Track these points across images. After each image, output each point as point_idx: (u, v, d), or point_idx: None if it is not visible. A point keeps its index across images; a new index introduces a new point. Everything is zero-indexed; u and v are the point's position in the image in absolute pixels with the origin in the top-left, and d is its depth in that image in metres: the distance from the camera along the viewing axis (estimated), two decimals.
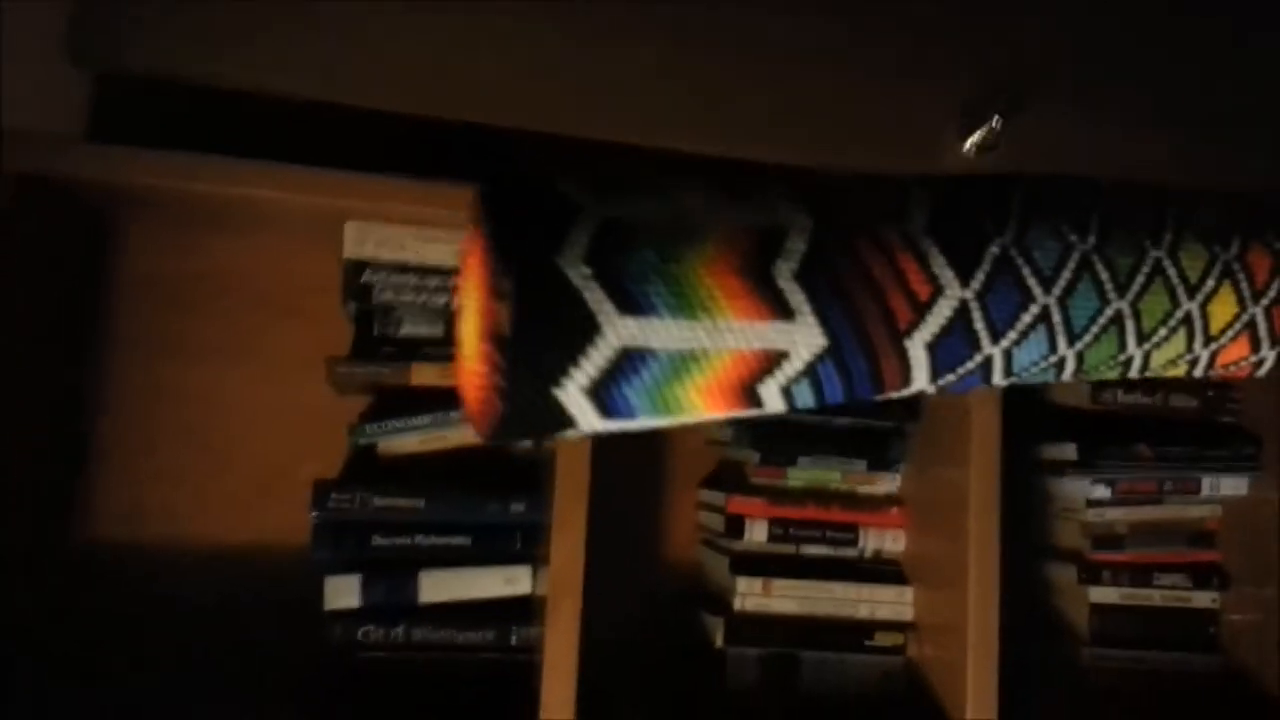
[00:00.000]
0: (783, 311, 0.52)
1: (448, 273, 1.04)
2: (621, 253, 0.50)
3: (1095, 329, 0.58)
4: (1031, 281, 0.56)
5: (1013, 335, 0.57)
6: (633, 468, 1.20)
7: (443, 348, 1.04)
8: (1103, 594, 1.19)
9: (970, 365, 0.57)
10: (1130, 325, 0.59)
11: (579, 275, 0.49)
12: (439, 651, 1.00)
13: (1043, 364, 0.59)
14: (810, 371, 0.54)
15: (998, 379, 0.58)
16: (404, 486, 1.01)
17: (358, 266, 1.03)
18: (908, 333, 0.55)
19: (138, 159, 0.95)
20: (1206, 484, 1.19)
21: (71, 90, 1.06)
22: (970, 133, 1.03)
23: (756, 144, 1.04)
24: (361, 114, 1.08)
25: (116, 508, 1.09)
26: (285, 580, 1.07)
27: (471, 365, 0.51)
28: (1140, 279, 0.59)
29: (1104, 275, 0.58)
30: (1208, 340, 0.61)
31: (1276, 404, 1.22)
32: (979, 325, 0.55)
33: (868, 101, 1.10)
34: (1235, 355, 0.64)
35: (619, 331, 0.50)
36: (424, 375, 1.03)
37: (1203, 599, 1.23)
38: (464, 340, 0.53)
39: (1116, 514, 1.19)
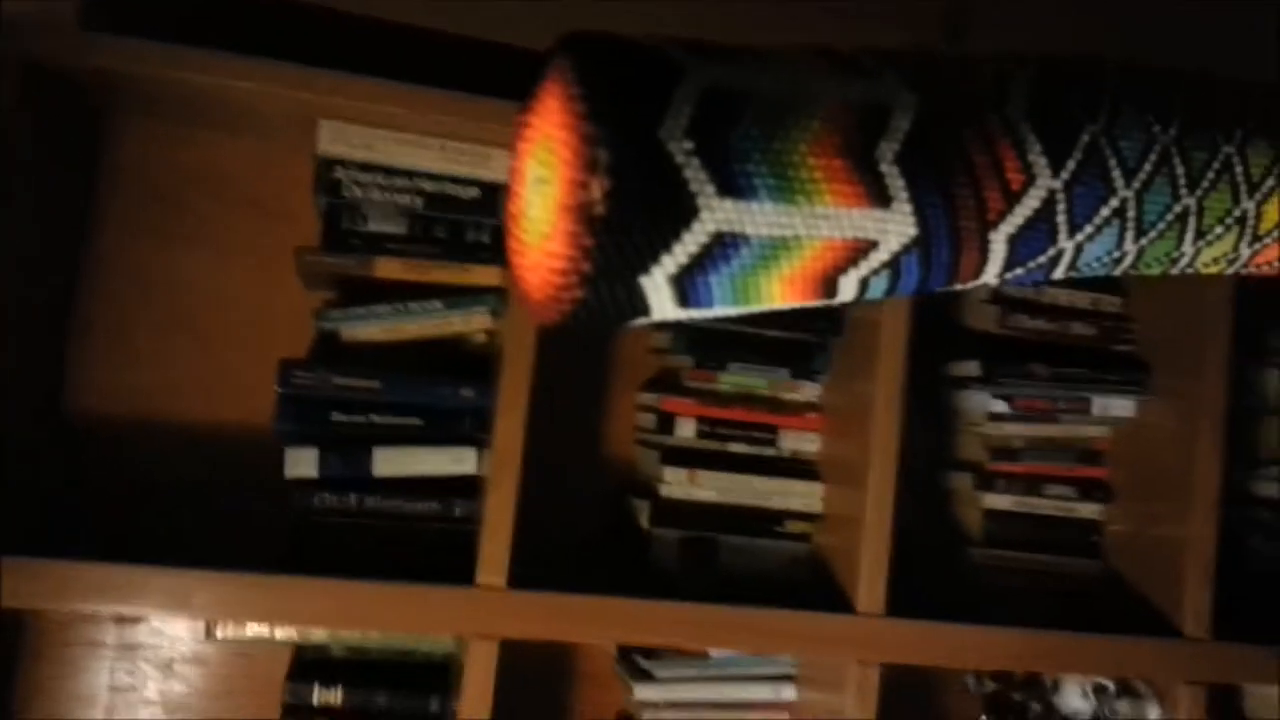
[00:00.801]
0: (880, 198, 0.49)
1: (413, 174, 1.10)
2: (726, 126, 0.46)
3: (1162, 225, 0.56)
4: (1116, 173, 0.53)
5: (1089, 229, 0.54)
6: (577, 369, 1.29)
7: (405, 244, 1.11)
8: (996, 500, 1.30)
9: (1042, 259, 0.55)
10: (1192, 222, 0.57)
11: (681, 150, 0.45)
12: (388, 520, 1.09)
13: (1105, 259, 0.57)
14: (893, 262, 0.51)
15: (1059, 274, 0.57)
16: (363, 369, 1.09)
17: (329, 163, 1.09)
18: (995, 224, 0.52)
19: (126, 47, 1.00)
20: (1097, 404, 1.30)
21: None
22: None
23: None
24: (342, 16, 1.13)
25: (100, 383, 1.17)
26: (251, 453, 1.15)
27: (546, 245, 0.46)
28: (1210, 175, 0.56)
29: (1179, 170, 0.55)
30: (1254, 240, 0.59)
31: (1169, 333, 1.32)
32: (1060, 218, 0.53)
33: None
34: (1271, 256, 0.61)
35: (716, 215, 0.46)
36: (387, 269, 1.10)
37: (1088, 510, 1.34)
38: (531, 217, 0.48)
39: (1014, 429, 1.30)
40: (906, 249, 0.51)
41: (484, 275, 1.11)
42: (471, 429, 1.10)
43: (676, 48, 0.48)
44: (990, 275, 0.55)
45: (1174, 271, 0.61)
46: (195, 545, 1.07)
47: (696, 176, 0.45)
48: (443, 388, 1.10)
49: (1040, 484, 1.32)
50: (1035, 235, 0.53)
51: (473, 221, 1.12)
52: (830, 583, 1.20)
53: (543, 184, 0.47)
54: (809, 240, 0.48)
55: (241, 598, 1.01)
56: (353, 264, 1.09)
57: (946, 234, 0.51)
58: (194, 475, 1.18)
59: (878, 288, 0.53)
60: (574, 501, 1.29)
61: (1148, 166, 0.54)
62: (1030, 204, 0.52)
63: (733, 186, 0.46)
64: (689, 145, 0.45)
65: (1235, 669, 1.26)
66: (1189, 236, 0.58)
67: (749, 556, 1.22)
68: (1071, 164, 0.53)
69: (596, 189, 0.44)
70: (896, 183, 0.49)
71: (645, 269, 0.46)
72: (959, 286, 0.56)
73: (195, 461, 1.18)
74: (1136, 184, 0.54)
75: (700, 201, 0.45)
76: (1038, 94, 0.53)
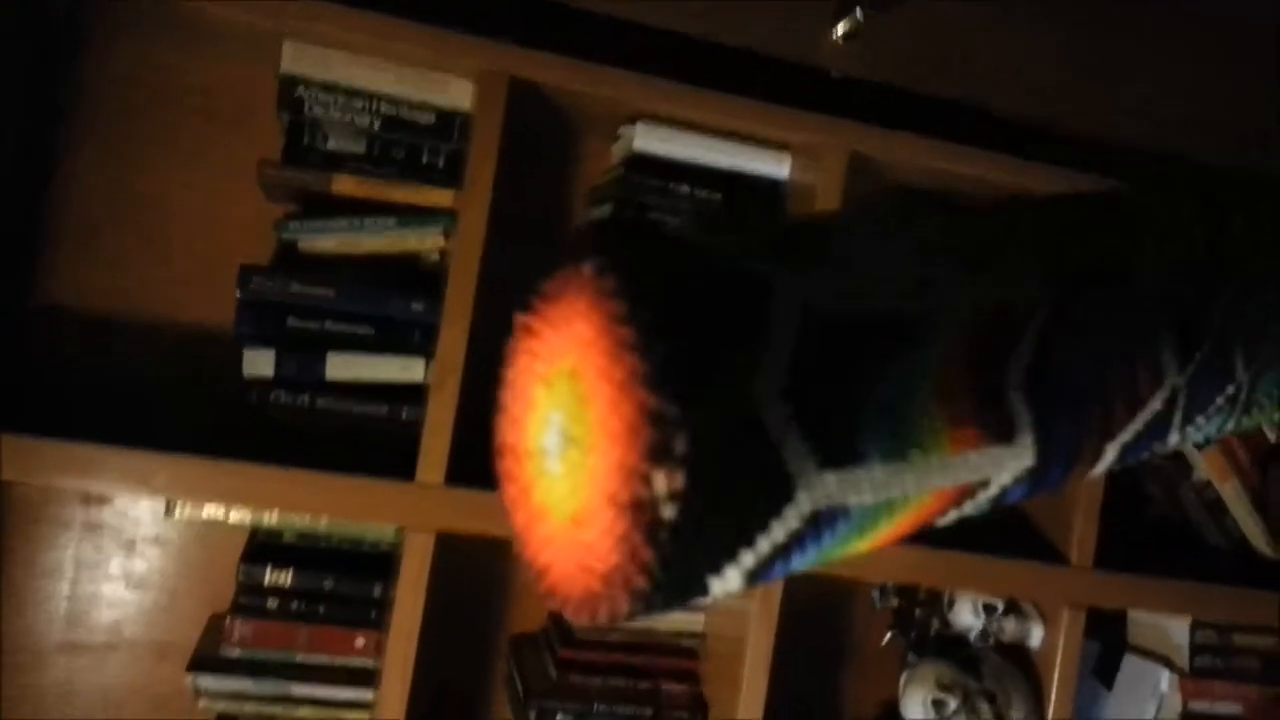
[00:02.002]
0: (1002, 434, 0.38)
1: (372, 97, 1.14)
2: (834, 371, 0.34)
3: (1266, 402, 0.48)
4: (1238, 359, 0.45)
5: (1200, 419, 0.45)
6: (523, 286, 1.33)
7: (363, 163, 1.16)
8: None
9: (1145, 455, 0.45)
10: None
11: (779, 418, 0.32)
12: (339, 419, 1.15)
13: (1204, 440, 0.49)
14: (1000, 495, 0.40)
15: (1159, 455, 0.49)
16: (318, 277, 1.14)
17: (292, 82, 1.13)
18: (1115, 435, 0.42)
19: None
20: None
21: None
22: (838, 21, 1.14)
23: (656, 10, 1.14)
24: None
25: (71, 284, 1.21)
26: (213, 352, 1.21)
27: (579, 535, 0.34)
28: None
29: None
30: None
31: None
32: (1177, 415, 0.44)
33: None
34: None
35: (815, 493, 0.34)
36: (344, 185, 1.14)
37: None
38: (551, 483, 0.35)
39: None
40: (1018, 480, 0.40)
41: (438, 197, 1.15)
42: (420, 341, 1.15)
43: (753, 249, 0.36)
44: (1093, 475, 0.45)
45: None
46: (158, 434, 1.12)
47: (796, 450, 0.33)
48: (394, 300, 1.15)
49: None
50: (1148, 439, 0.44)
51: (429, 145, 1.16)
52: None
53: (573, 445, 0.34)
54: (916, 497, 0.37)
55: (199, 479, 1.06)
56: (311, 179, 1.13)
57: (1064, 457, 0.41)
58: (158, 372, 1.23)
59: (973, 513, 0.42)
60: None
61: (1268, 345, 0.47)
62: (1152, 408, 0.43)
63: (839, 455, 0.34)
64: (788, 410, 0.33)
65: (1114, 595, 1.36)
66: None
67: None
68: (1199, 356, 0.44)
69: (664, 485, 0.31)
70: (1022, 412, 0.39)
71: (716, 572, 0.34)
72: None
73: (159, 359, 1.23)
74: (1255, 366, 0.46)
75: (798, 482, 0.33)
76: (1165, 267, 0.44)
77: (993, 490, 0.40)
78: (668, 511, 0.31)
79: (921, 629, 1.46)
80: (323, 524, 1.21)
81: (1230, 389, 0.46)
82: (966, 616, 1.41)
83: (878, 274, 0.37)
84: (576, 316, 0.33)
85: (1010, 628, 1.40)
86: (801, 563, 0.36)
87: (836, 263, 0.37)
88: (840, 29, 1.14)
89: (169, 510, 1.19)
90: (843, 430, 0.34)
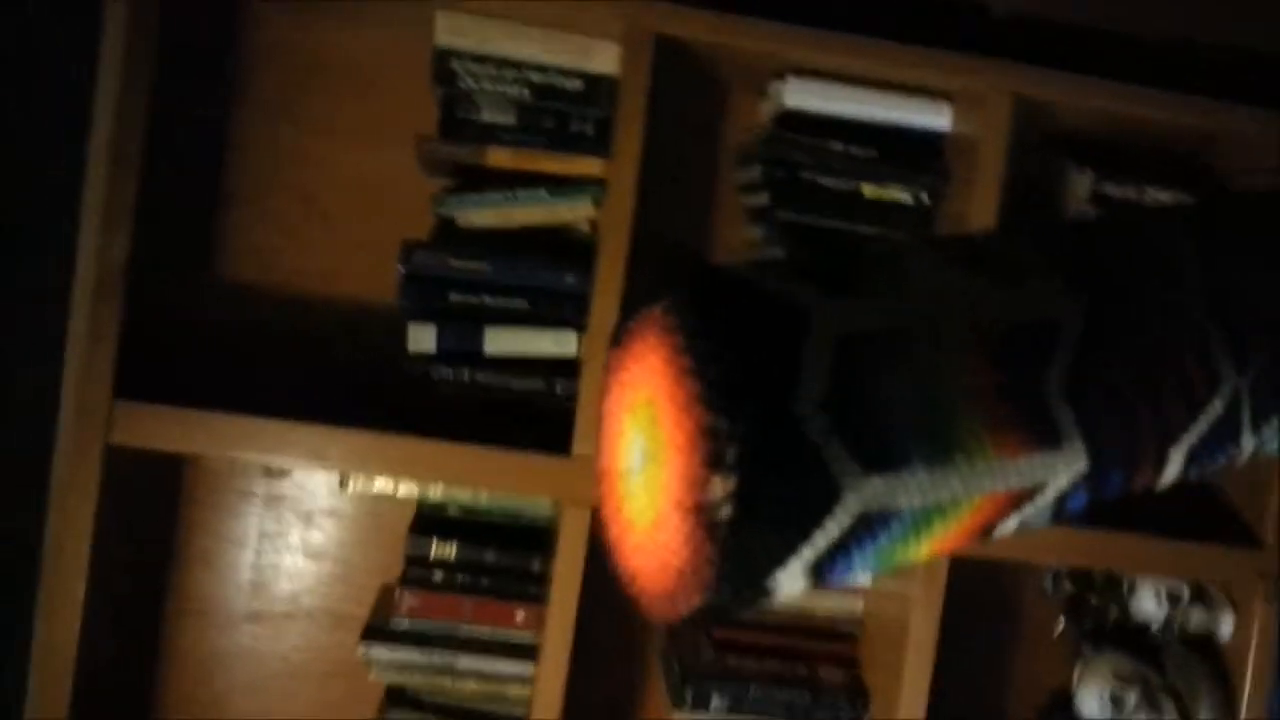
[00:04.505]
0: (1050, 439, 0.39)
1: (521, 66, 1.09)
2: (868, 385, 0.37)
3: None
4: None
5: (1275, 421, 0.45)
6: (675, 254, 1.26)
7: (515, 134, 1.10)
8: None
9: (1221, 460, 0.45)
10: None
11: (818, 427, 0.36)
12: (498, 394, 1.11)
13: None
14: (1060, 500, 0.42)
15: (1238, 464, 0.47)
16: (476, 252, 1.09)
17: (446, 54, 1.09)
18: (1176, 438, 0.42)
19: None
20: None
21: None
22: None
23: None
24: None
25: (237, 250, 1.21)
26: (371, 323, 1.18)
27: (657, 536, 0.38)
28: None
29: None
30: None
31: None
32: (1244, 416, 0.43)
33: None
34: None
35: (863, 494, 0.37)
36: (498, 158, 1.10)
37: None
38: (636, 494, 0.39)
39: None
40: (1075, 484, 0.41)
41: (587, 165, 1.09)
42: (572, 313, 1.10)
43: (794, 282, 0.39)
44: (1165, 482, 0.45)
45: None
46: (324, 404, 1.11)
47: (838, 455, 0.36)
48: (545, 272, 1.10)
49: None
50: (1216, 441, 0.44)
51: (577, 113, 1.10)
52: None
53: (650, 461, 0.38)
54: (968, 499, 0.39)
55: (370, 452, 1.04)
56: (466, 152, 1.09)
57: (1120, 461, 0.42)
58: (321, 342, 1.21)
59: (1039, 521, 0.43)
60: None
61: None
62: (1215, 410, 0.43)
63: (880, 459, 0.37)
64: (826, 420, 0.36)
65: None
66: None
67: None
68: (1258, 357, 0.43)
69: (719, 489, 0.35)
70: (1065, 417, 0.40)
71: (778, 566, 0.37)
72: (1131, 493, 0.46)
73: (320, 329, 1.21)
74: None
75: (844, 482, 0.36)
76: (1215, 272, 0.43)
77: (1049, 495, 0.41)
78: (725, 511, 0.35)
79: (1098, 617, 1.31)
80: (483, 498, 1.17)
81: None
82: (1148, 605, 1.26)
83: (908, 296, 0.39)
84: (650, 351, 0.38)
85: (1197, 617, 1.24)
86: (862, 562, 0.38)
87: (869, 287, 0.39)
88: None
89: (343, 484, 1.17)
90: (882, 436, 0.37)
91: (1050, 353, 0.40)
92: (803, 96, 1.08)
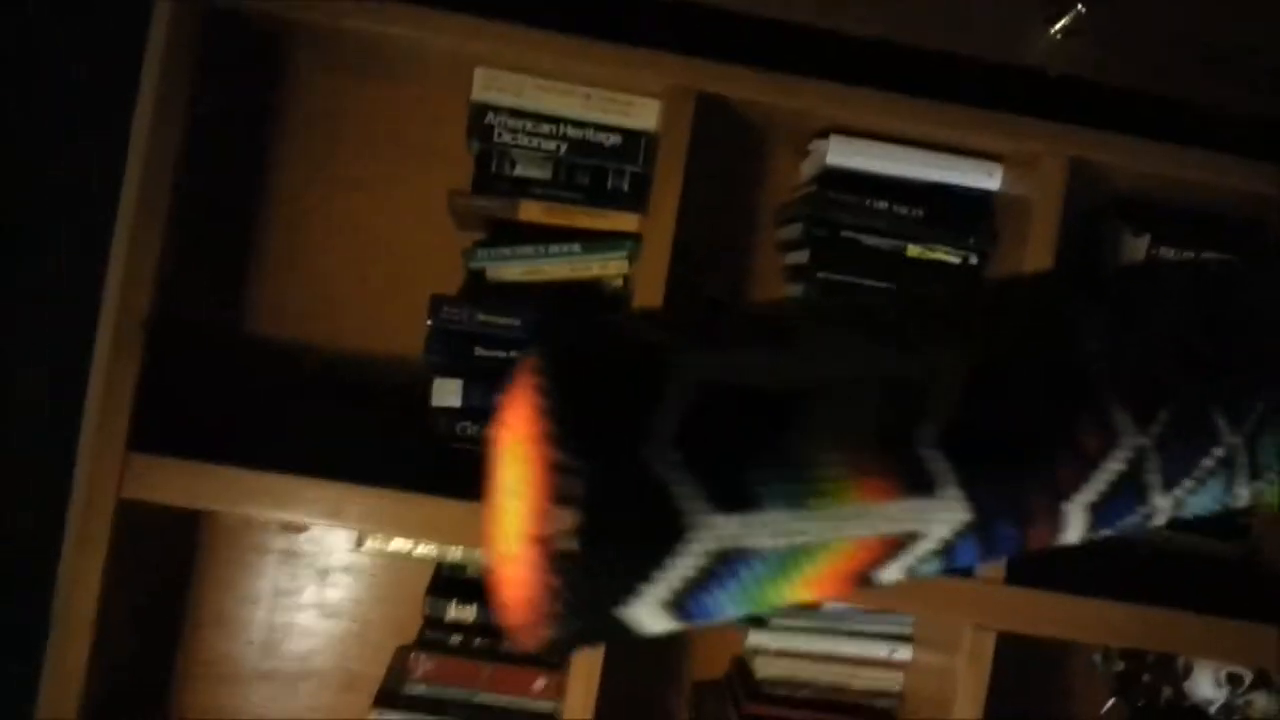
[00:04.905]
0: (920, 487, 0.39)
1: (558, 120, 1.06)
2: (725, 430, 0.37)
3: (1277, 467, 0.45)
4: (1221, 421, 0.43)
5: (1188, 483, 0.43)
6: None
7: (549, 188, 1.08)
8: None
9: (1133, 519, 0.44)
10: None
11: (667, 465, 0.36)
12: None
13: (1215, 507, 0.46)
14: (945, 548, 0.41)
15: (1159, 523, 0.46)
16: (504, 307, 1.06)
17: (482, 109, 1.06)
18: (1068, 495, 0.42)
19: None
20: None
21: None
22: (1056, 18, 0.99)
23: (840, 14, 1.02)
24: None
25: (267, 304, 1.18)
26: (400, 378, 1.15)
27: (513, 568, 0.38)
28: None
29: None
30: None
31: None
32: (1151, 476, 0.42)
33: None
34: None
35: (714, 532, 0.37)
36: (530, 212, 1.07)
37: None
38: (505, 528, 0.40)
39: None
40: (960, 534, 0.41)
41: (622, 221, 1.06)
42: None
43: (664, 332, 0.40)
44: (1070, 540, 0.44)
45: None
46: (350, 459, 1.07)
47: (688, 495, 0.36)
48: None
49: None
50: (1121, 499, 0.43)
51: (614, 168, 1.07)
52: None
53: (513, 496, 0.39)
54: (836, 543, 0.39)
55: (388, 512, 1.00)
56: (499, 206, 1.06)
57: (1009, 513, 0.41)
58: (351, 394, 1.18)
59: (928, 569, 0.43)
60: None
61: (1260, 406, 0.43)
62: (1113, 468, 0.42)
63: (732, 498, 0.37)
64: (676, 456, 0.36)
65: None
66: None
67: None
68: (1165, 415, 0.42)
69: (562, 523, 0.36)
70: (940, 467, 0.39)
71: (625, 602, 0.37)
72: (1036, 552, 0.46)
73: (349, 384, 1.18)
74: (1249, 428, 0.43)
75: (694, 521, 0.37)
76: (1115, 332, 0.43)
77: (930, 544, 0.40)
78: (567, 545, 0.36)
79: (1150, 698, 1.23)
80: None
81: (1219, 451, 0.43)
82: (1206, 687, 1.18)
83: (781, 352, 0.40)
84: (521, 393, 0.39)
85: (1260, 703, 1.16)
86: (729, 601, 0.39)
87: (739, 340, 0.40)
88: (1060, 23, 0.98)
89: (359, 543, 1.13)
90: (734, 478, 0.37)
91: (923, 409, 0.40)
92: (846, 155, 1.04)
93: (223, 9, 0.98)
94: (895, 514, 0.39)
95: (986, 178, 1.06)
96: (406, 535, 1.08)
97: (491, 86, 1.05)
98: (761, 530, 0.37)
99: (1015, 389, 0.41)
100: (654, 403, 0.37)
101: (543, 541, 0.36)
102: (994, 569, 1.03)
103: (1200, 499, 0.44)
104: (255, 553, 1.20)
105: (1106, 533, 0.44)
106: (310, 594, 1.21)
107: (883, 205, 1.04)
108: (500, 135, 1.06)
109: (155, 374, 0.99)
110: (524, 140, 1.06)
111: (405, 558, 1.15)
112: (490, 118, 1.06)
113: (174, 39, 0.96)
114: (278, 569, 1.21)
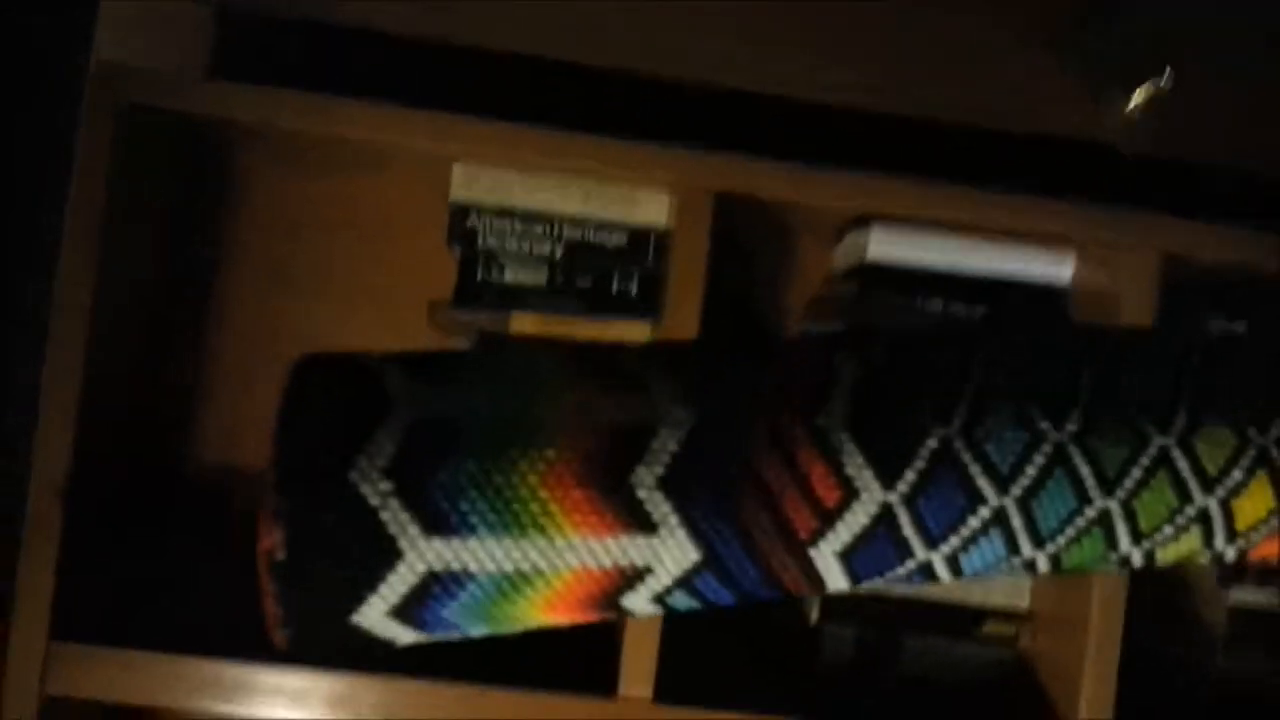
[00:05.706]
0: (641, 525, 0.42)
1: (553, 219, 0.91)
2: (434, 461, 0.40)
3: (1072, 530, 0.45)
4: (981, 481, 0.43)
5: (955, 541, 0.44)
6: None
7: (545, 297, 0.92)
8: (1245, 596, 0.99)
9: (902, 570, 0.45)
10: (1122, 525, 0.45)
11: (377, 491, 0.40)
12: None
13: (1006, 565, 0.46)
14: (684, 583, 0.44)
15: (947, 579, 0.46)
16: None
17: (464, 210, 0.91)
18: (812, 542, 0.43)
19: (250, 96, 0.85)
20: None
21: (193, 26, 0.97)
22: (1131, 90, 0.83)
23: (909, 98, 0.88)
24: (479, 53, 0.97)
25: (213, 433, 1.01)
26: None
27: (260, 578, 0.42)
28: (1136, 473, 0.44)
29: (1084, 470, 0.44)
30: (1232, 537, 0.46)
31: None
32: (908, 531, 0.44)
33: (1012, 55, 0.92)
34: (1271, 551, 0.48)
35: (425, 555, 0.41)
36: (523, 324, 0.91)
37: None
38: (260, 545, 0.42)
39: None
40: (693, 571, 0.43)
41: (629, 331, 0.89)
42: None
43: (399, 375, 0.43)
44: (841, 586, 0.45)
45: (1137, 568, 0.48)
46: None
47: (396, 518, 0.40)
48: None
49: None
50: (876, 550, 0.44)
51: (619, 270, 0.91)
52: (1041, 695, 0.93)
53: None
54: (554, 571, 0.42)
55: (361, 695, 0.83)
56: (487, 320, 0.91)
57: (742, 554, 0.43)
58: None
59: (682, 603, 0.45)
60: None
61: (1031, 470, 0.44)
62: (857, 520, 0.43)
63: (442, 525, 0.40)
64: (388, 486, 0.40)
65: None
66: (1123, 539, 0.45)
67: (939, 660, 0.96)
68: (911, 474, 0.43)
69: (276, 536, 0.40)
70: (661, 508, 0.42)
71: (348, 612, 0.41)
72: (811, 596, 0.46)
73: None
74: (1017, 490, 0.44)
75: (403, 544, 0.41)
76: (865, 390, 0.44)
77: (664, 580, 0.43)
78: (280, 556, 0.40)
79: None
80: None
81: (985, 511, 0.44)
82: None
83: (501, 396, 0.43)
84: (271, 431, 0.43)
85: None
86: (457, 615, 0.42)
87: (468, 384, 0.44)
88: (1136, 98, 0.83)
89: None
90: (443, 505, 0.41)
91: (642, 452, 0.42)
92: (889, 247, 0.88)
93: (139, 104, 0.83)
94: (617, 549, 0.42)
95: (1055, 268, 0.89)
96: None
97: (473, 184, 0.89)
98: (475, 555, 0.41)
99: (742, 445, 0.43)
100: (373, 435, 0.41)
101: (262, 553, 0.40)
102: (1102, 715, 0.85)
103: (978, 555, 0.45)
104: None
105: (875, 581, 0.45)
106: None
107: (936, 305, 0.88)
108: (486, 239, 0.90)
109: (86, 539, 0.83)
110: (513, 244, 0.90)
111: None
112: (473, 219, 0.90)
113: (89, 141, 0.81)
114: None
